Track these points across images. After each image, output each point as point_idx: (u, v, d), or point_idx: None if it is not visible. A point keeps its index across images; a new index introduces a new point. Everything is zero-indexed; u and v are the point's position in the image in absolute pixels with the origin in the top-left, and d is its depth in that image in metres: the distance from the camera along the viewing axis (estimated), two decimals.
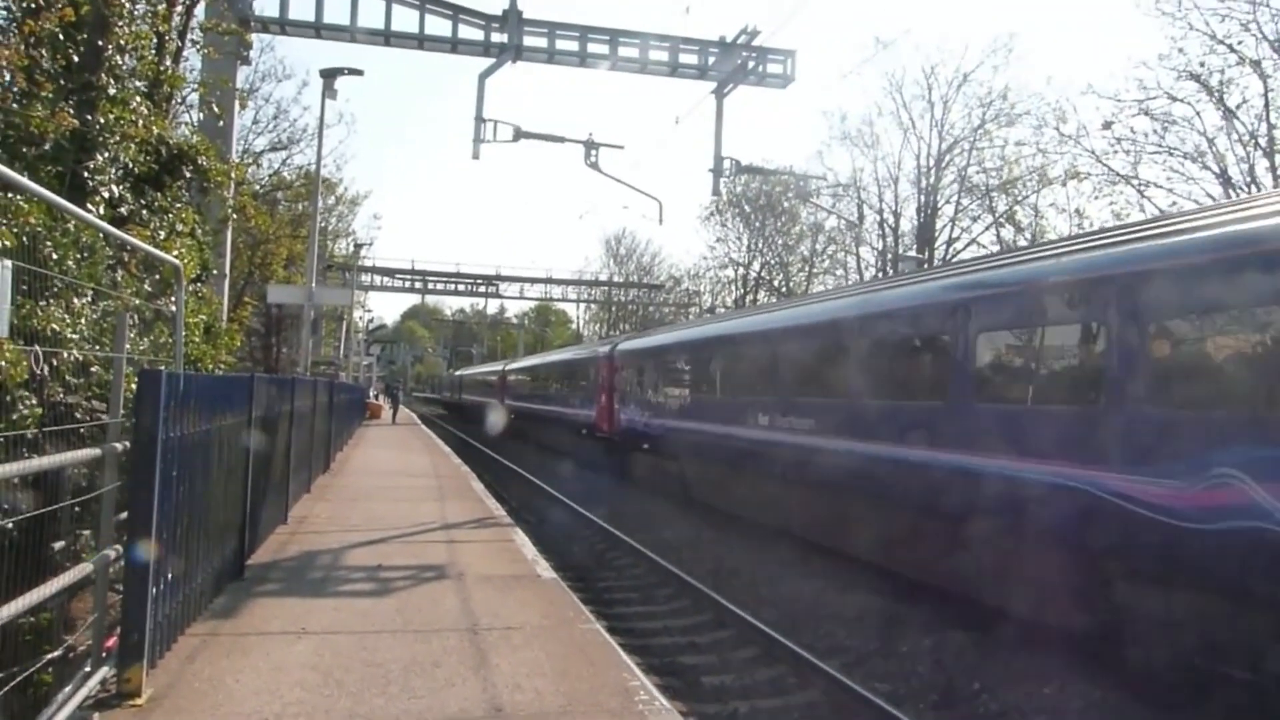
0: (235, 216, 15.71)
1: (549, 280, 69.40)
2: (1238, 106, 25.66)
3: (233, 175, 13.50)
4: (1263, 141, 25.21)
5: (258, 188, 32.39)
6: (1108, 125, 28.02)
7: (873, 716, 7.62)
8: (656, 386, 22.36)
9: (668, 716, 5.38)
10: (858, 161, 53.84)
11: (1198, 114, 26.64)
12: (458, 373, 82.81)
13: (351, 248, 48.62)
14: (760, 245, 55.12)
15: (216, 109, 14.48)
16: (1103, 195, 29.50)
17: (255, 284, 32.41)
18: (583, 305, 79.93)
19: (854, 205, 46.24)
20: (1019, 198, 39.03)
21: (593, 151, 20.51)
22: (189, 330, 9.11)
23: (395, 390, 61.28)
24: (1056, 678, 8.42)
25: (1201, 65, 25.64)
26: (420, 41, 20.41)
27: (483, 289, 69.66)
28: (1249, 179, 25.19)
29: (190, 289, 9.85)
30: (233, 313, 20.90)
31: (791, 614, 10.98)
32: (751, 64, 21.16)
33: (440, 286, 68.42)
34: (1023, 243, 34.36)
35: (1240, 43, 24.87)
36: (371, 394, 52.44)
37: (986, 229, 40.80)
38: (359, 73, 22.98)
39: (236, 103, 17.99)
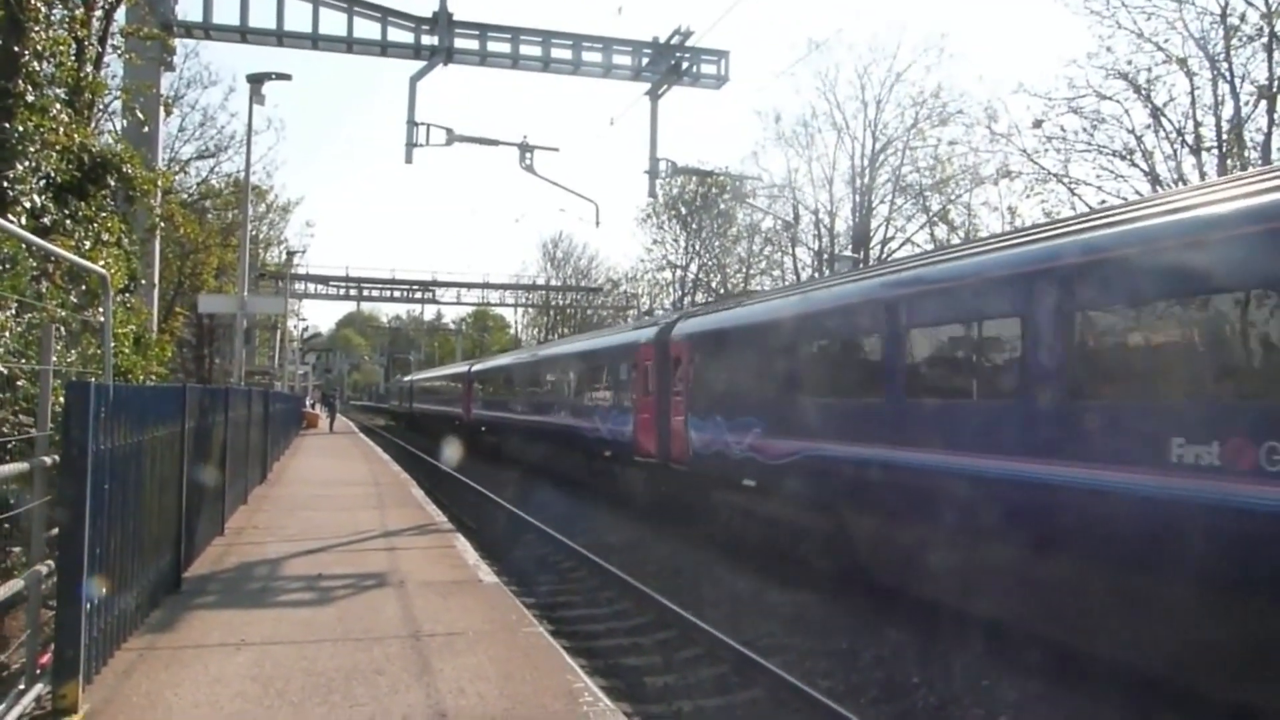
0: (163, 225, 15.41)
1: (486, 285, 68.97)
2: (1165, 104, 26.30)
3: (159, 183, 13.25)
4: (1189, 139, 25.93)
5: (186, 196, 31.69)
6: (1038, 124, 28.50)
7: (815, 712, 7.76)
8: (792, 387, 12.90)
9: (612, 717, 5.44)
10: (793, 162, 54.66)
11: (1126, 112, 27.36)
12: (409, 378, 72.24)
13: (284, 255, 47.82)
14: (697, 247, 55.53)
15: (141, 115, 14.19)
16: (1034, 193, 30.16)
17: (186, 294, 31.74)
18: (520, 309, 79.61)
19: (789, 206, 46.86)
20: (952, 196, 39.91)
21: (527, 154, 20.50)
22: (118, 341, 8.92)
23: (332, 399, 60.43)
24: (993, 671, 8.68)
25: (1129, 64, 26.24)
26: (349, 44, 20.19)
27: (419, 295, 68.85)
28: (1176, 175, 25.97)
29: (118, 299, 9.65)
30: (163, 323, 20.49)
31: (734, 614, 11.14)
32: (685, 64, 21.32)
33: (376, 293, 67.53)
34: (956, 241, 35.13)
35: (1167, 41, 25.50)
36: (308, 403, 51.63)
37: (921, 228, 41.68)
38: (287, 77, 22.68)
39: (161, 109, 17.60)
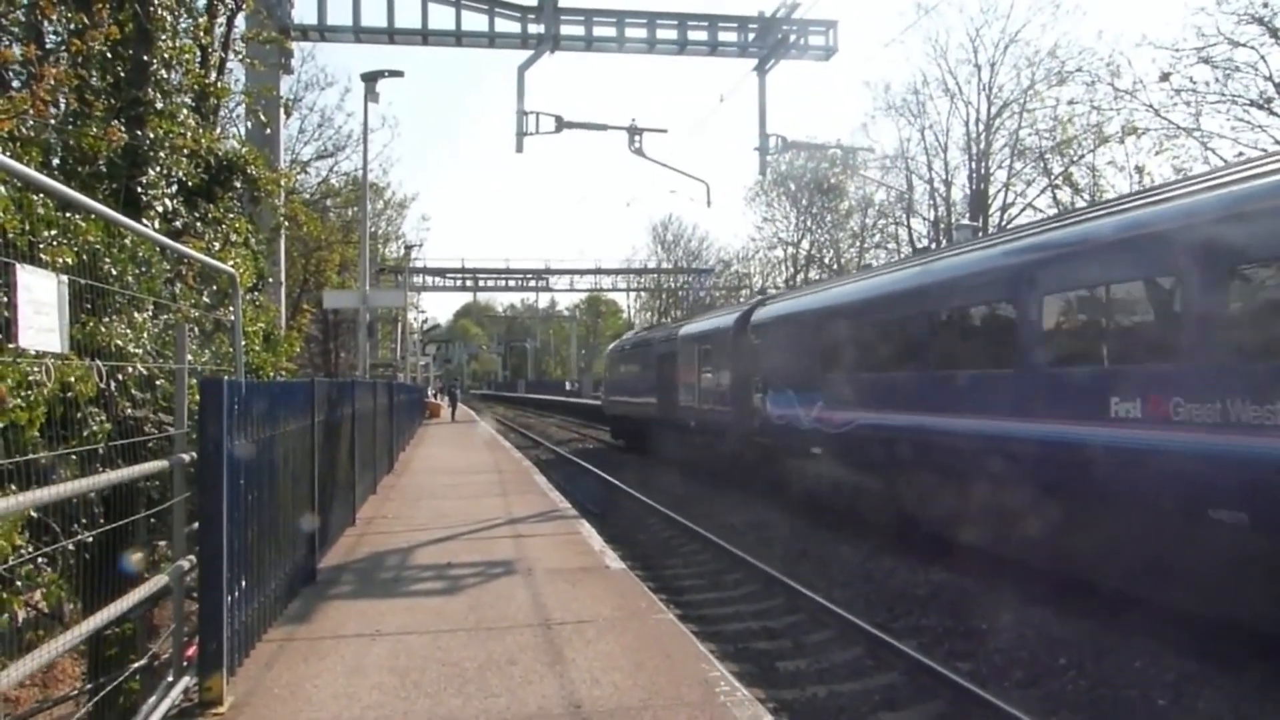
0: (287, 224, 15.85)
1: (598, 271, 69.57)
2: None
3: (282, 183, 13.61)
4: None
5: (307, 196, 32.84)
6: (1165, 77, 27.20)
7: (956, 696, 7.44)
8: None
9: (751, 708, 5.23)
10: (904, 131, 53.07)
11: (1262, 58, 25.64)
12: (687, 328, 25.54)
13: (402, 250, 49.12)
14: (809, 223, 54.55)
15: (263, 118, 14.64)
16: (1163, 150, 28.59)
17: (310, 291, 32.92)
18: (633, 294, 79.98)
19: (902, 177, 45.52)
20: (1074, 158, 38.03)
21: (636, 137, 20.38)
22: (248, 339, 9.18)
23: (454, 389, 61.83)
24: (1145, 652, 8.17)
25: (1265, 6, 24.66)
26: (458, 38, 20.46)
27: (533, 283, 70.03)
28: None
29: (248, 298, 9.93)
30: (291, 320, 21.17)
31: (864, 594, 10.85)
32: (793, 37, 20.84)
33: (491, 283, 69.13)
34: (1080, 204, 33.47)
35: None
36: (430, 393, 52.95)
37: (1042, 192, 39.91)
38: (399, 74, 23.10)
39: (281, 111, 18.16)
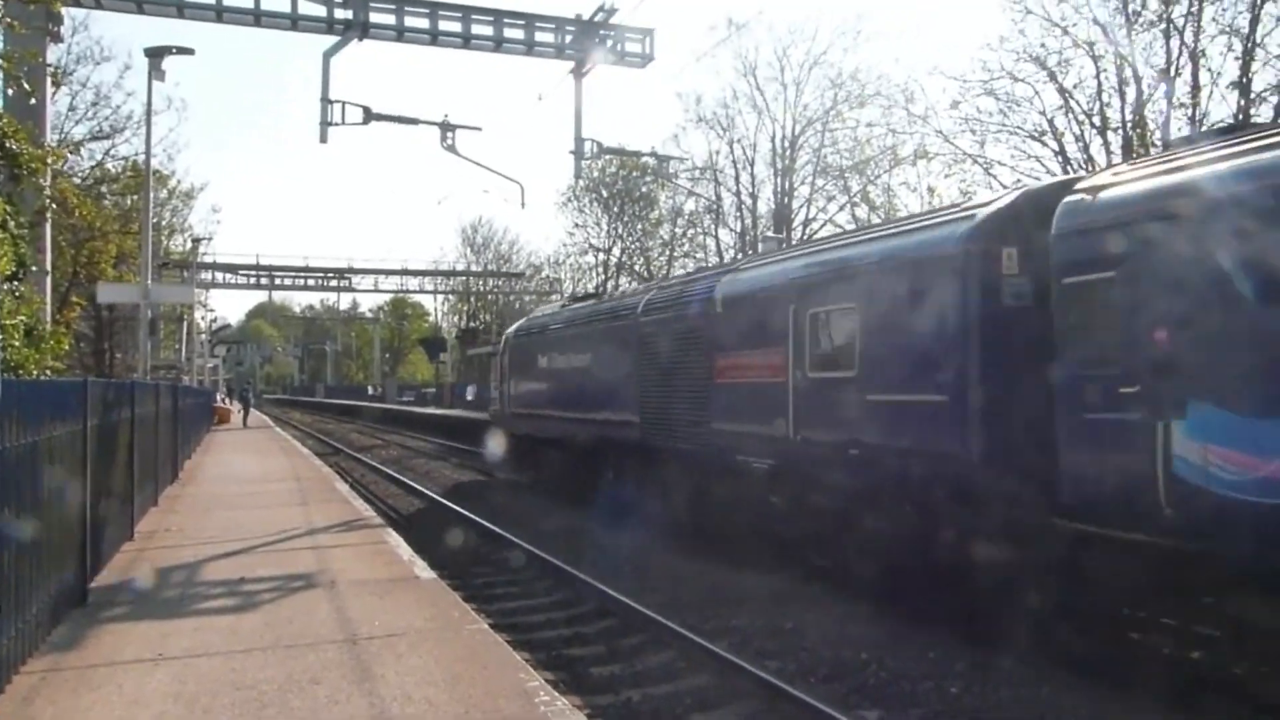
0: (54, 208, 14.32)
1: (405, 272, 67.59)
2: (1074, 87, 27.12)
3: (49, 162, 12.26)
4: (1096, 120, 26.71)
5: (79, 180, 29.95)
6: (955, 105, 29.21)
7: (766, 694, 7.56)
8: None
9: (572, 717, 5.10)
10: (714, 144, 54.56)
11: (1038, 94, 27.98)
12: (741, 277, 12.67)
13: (189, 243, 45.86)
14: (620, 230, 55.15)
15: (27, 86, 13.07)
16: (952, 174, 30.70)
17: (82, 284, 29.99)
18: (440, 297, 78.25)
19: (712, 188, 46.84)
20: (872, 177, 40.34)
21: (449, 134, 19.81)
22: (7, 333, 8.18)
23: (247, 393, 58.34)
24: (941, 644, 8.59)
25: (1042, 46, 26.91)
26: (256, 17, 19.09)
27: (334, 283, 67.16)
28: (1085, 155, 26.65)
29: (6, 288, 8.88)
30: (58, 315, 19.22)
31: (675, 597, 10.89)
32: (610, 42, 20.89)
33: (288, 282, 65.71)
34: (876, 221, 35.59)
35: (1074, 25, 26.26)
36: (219, 397, 49.83)
37: (841, 209, 42.10)
38: (189, 51, 21.48)
39: (49, 82, 16.35)
